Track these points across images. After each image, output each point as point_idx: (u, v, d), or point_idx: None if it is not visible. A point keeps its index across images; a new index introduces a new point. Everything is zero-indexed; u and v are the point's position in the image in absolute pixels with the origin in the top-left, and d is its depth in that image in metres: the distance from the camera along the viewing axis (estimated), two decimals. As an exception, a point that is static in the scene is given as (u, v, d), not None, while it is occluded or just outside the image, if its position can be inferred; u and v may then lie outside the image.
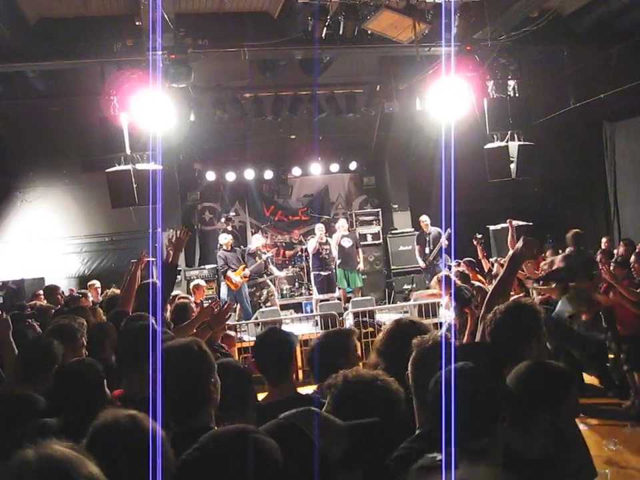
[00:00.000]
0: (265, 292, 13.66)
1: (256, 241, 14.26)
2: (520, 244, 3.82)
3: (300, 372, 11.36)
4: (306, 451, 1.76)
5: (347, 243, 14.07)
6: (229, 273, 13.23)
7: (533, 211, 14.98)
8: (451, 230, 11.97)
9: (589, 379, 9.54)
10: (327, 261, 13.84)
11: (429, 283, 13.95)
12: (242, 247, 14.64)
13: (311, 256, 14.18)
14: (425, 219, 14.12)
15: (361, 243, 15.34)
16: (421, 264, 14.20)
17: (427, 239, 14.05)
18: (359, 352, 11.75)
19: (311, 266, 14.30)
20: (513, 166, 10.87)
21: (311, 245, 14.06)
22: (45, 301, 9.97)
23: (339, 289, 14.08)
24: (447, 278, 9.18)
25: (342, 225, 14.33)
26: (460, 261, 11.24)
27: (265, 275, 13.91)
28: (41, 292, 10.86)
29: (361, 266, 14.54)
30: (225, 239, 13.65)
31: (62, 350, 4.20)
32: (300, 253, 15.79)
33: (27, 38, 9.84)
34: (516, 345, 3.12)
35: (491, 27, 9.98)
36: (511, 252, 4.06)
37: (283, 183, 16.70)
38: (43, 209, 15.20)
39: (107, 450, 2.05)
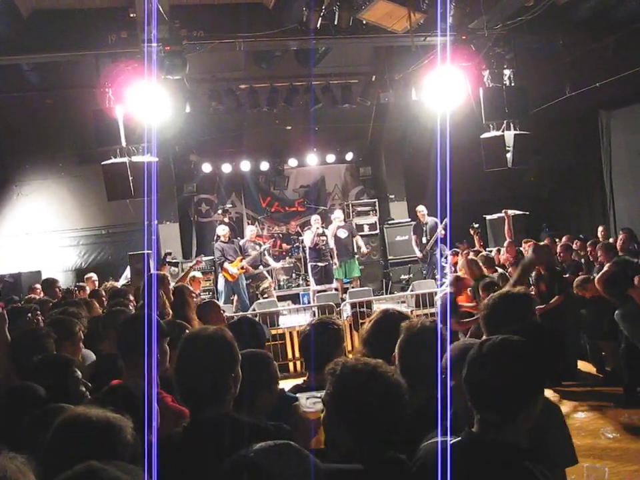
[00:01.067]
0: (262, 284, 13.68)
1: (249, 233, 14.25)
2: (530, 253, 4.04)
3: (298, 363, 11.42)
4: None
5: (343, 234, 14.06)
6: (226, 265, 13.22)
7: (529, 200, 15.01)
8: (447, 220, 11.99)
9: (585, 367, 9.59)
10: (323, 251, 13.83)
11: (426, 273, 14.01)
12: (239, 238, 14.64)
13: (307, 248, 14.18)
14: (421, 209, 14.11)
15: (358, 234, 15.34)
16: (418, 254, 14.20)
17: (424, 229, 14.04)
18: (356, 342, 11.80)
19: (307, 257, 14.30)
20: (509, 155, 10.86)
21: (308, 237, 14.04)
22: (42, 295, 9.97)
23: (336, 280, 14.08)
24: (474, 262, 9.21)
25: (337, 216, 14.33)
26: (458, 250, 11.26)
27: (261, 267, 13.91)
28: (38, 285, 10.84)
29: (363, 249, 14.52)
30: (222, 230, 13.63)
31: (52, 342, 4.19)
32: (297, 244, 15.84)
33: (21, 30, 9.79)
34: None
35: (487, 16, 9.95)
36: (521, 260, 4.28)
37: (279, 174, 16.71)
38: (39, 202, 15.18)
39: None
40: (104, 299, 8.38)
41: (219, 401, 2.70)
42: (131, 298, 7.25)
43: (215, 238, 13.90)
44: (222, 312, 6.43)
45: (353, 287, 13.82)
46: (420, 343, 2.99)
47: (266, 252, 14.35)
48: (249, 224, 16.45)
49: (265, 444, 1.85)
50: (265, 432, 2.61)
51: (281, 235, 16.61)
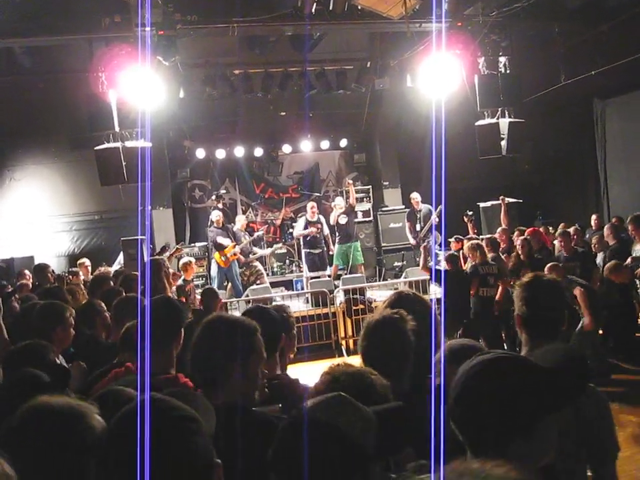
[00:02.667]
0: (253, 270, 13.64)
1: (239, 222, 14.18)
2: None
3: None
4: (335, 443, 1.69)
5: (343, 220, 13.95)
6: (218, 251, 13.15)
7: (523, 188, 15.00)
8: (442, 207, 11.97)
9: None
10: (317, 239, 13.79)
11: (419, 260, 13.99)
12: (232, 224, 14.61)
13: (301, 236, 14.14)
14: (415, 196, 14.08)
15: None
16: (412, 241, 14.18)
17: (418, 216, 14.02)
18: (349, 328, 11.81)
19: (301, 244, 14.26)
20: (503, 143, 10.87)
21: (299, 227, 13.99)
22: (32, 281, 9.93)
23: (331, 265, 14.03)
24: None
25: (338, 203, 14.18)
26: (461, 237, 11.28)
27: (250, 255, 13.87)
28: (27, 272, 10.77)
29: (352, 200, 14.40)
30: (216, 216, 13.58)
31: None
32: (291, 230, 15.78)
33: (13, 14, 9.70)
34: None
35: (482, 3, 9.94)
36: None
37: (273, 160, 16.66)
38: (31, 187, 15.11)
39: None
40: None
41: (221, 387, 2.65)
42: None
43: (209, 223, 13.85)
44: (220, 299, 6.48)
45: (360, 274, 13.70)
46: (382, 336, 2.92)
47: (259, 238, 14.33)
48: (242, 210, 16.43)
49: (316, 399, 1.83)
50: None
51: (275, 222, 16.58)
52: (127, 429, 1.62)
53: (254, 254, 14.10)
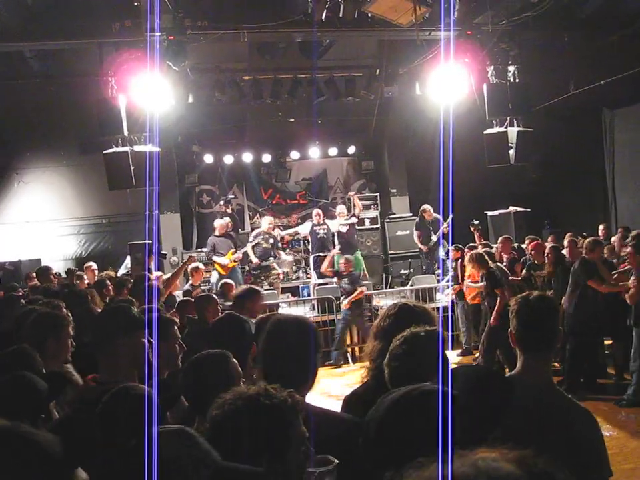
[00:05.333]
0: (270, 275, 13.55)
1: (267, 224, 13.97)
2: None
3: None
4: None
5: (344, 228, 13.93)
6: (215, 258, 13.04)
7: (531, 197, 14.97)
8: (452, 215, 11.97)
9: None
10: (325, 240, 13.70)
11: (426, 268, 13.96)
12: (240, 229, 14.54)
13: (309, 238, 14.09)
14: (428, 208, 13.94)
15: (359, 228, 15.26)
16: (423, 248, 14.03)
17: (430, 228, 13.87)
18: (354, 336, 11.79)
19: (310, 249, 14.17)
20: (511, 152, 10.86)
21: (305, 229, 14.00)
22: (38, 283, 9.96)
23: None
24: (481, 256, 9.32)
25: (342, 211, 14.16)
26: (460, 245, 11.23)
27: (271, 258, 13.73)
28: (35, 274, 10.82)
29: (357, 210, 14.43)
30: (216, 223, 13.47)
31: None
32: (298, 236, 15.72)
33: (25, 18, 9.75)
34: None
35: (492, 12, 9.92)
36: None
37: (282, 166, 16.68)
38: (40, 190, 15.17)
39: None
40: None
41: (300, 386, 2.60)
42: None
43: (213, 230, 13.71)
44: (219, 306, 6.46)
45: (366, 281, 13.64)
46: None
47: (277, 244, 14.26)
48: (250, 216, 16.41)
49: (158, 428, 1.79)
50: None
51: (282, 227, 16.55)
52: None
53: (277, 257, 13.94)
